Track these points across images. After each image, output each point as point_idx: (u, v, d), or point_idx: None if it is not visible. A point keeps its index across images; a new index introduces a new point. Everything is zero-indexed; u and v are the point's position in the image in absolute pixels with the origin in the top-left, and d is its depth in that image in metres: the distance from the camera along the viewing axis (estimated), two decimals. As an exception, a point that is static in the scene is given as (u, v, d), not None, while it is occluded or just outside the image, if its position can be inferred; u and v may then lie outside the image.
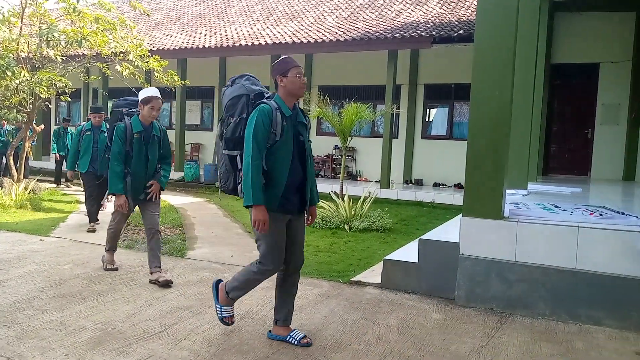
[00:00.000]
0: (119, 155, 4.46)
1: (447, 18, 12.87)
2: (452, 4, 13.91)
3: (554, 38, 10.96)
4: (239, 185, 3.16)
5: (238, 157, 3.16)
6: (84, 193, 7.49)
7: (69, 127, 12.94)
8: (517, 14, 4.14)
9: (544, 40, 8.06)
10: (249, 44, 13.12)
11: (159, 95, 4.53)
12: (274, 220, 3.10)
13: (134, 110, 4.65)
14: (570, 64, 11.10)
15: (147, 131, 4.56)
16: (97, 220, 7.11)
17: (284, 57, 3.25)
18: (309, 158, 3.28)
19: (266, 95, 3.24)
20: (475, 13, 12.45)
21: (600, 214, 4.28)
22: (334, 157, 14.10)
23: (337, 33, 12.73)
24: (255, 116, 3.02)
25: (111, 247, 4.93)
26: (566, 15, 10.89)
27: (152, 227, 4.59)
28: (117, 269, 4.92)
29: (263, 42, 12.96)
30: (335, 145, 13.93)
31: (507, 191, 4.46)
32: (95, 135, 7.11)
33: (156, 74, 10.54)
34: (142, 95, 4.48)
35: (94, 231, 6.86)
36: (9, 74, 8.57)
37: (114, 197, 4.60)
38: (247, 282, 3.32)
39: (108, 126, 6.64)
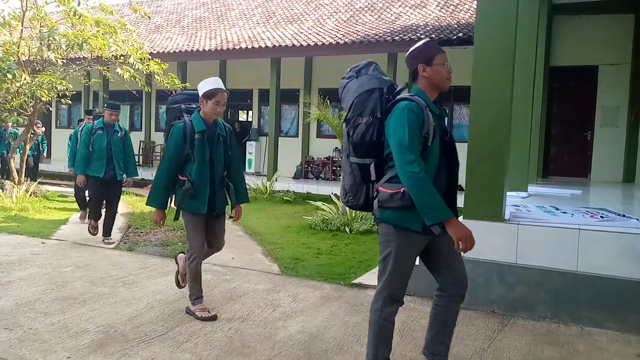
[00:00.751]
0: (176, 160, 3.70)
1: (447, 21, 12.90)
2: (452, 6, 13.94)
3: (553, 41, 10.98)
4: (375, 201, 2.59)
5: (372, 166, 2.61)
6: (85, 198, 7.39)
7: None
8: (516, 17, 4.16)
9: (543, 43, 8.10)
10: (249, 46, 13.14)
11: (224, 87, 3.85)
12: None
13: (194, 106, 3.94)
14: (570, 66, 11.12)
15: (210, 130, 3.80)
16: (110, 237, 6.40)
17: (426, 40, 2.80)
18: (457, 160, 2.73)
19: (398, 88, 2.71)
20: (474, 16, 12.49)
21: (601, 216, 4.29)
22: (334, 159, 14.11)
23: (336, 36, 12.76)
24: (404, 116, 2.47)
25: (198, 294, 3.82)
26: (565, 18, 10.91)
27: (219, 248, 4.08)
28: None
29: (263, 45, 12.99)
30: (336, 148, 13.92)
31: (507, 193, 4.47)
32: (108, 135, 6.36)
33: (157, 77, 10.56)
34: (203, 87, 3.80)
35: (94, 233, 6.52)
36: (10, 76, 8.60)
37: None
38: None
39: (120, 126, 6.52)
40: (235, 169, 3.97)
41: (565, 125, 11.40)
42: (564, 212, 4.54)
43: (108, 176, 6.31)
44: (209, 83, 3.79)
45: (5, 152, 12.78)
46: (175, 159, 3.69)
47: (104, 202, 6.63)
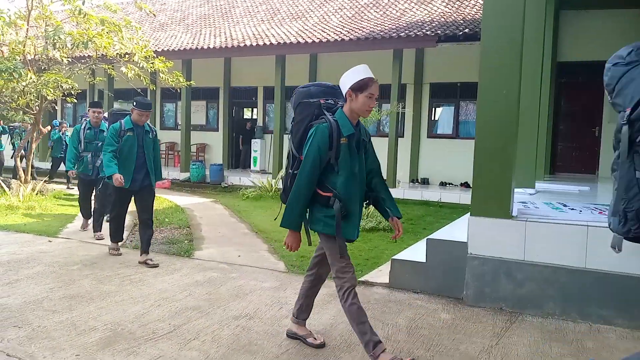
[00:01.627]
0: (318, 171, 2.90)
1: (453, 17, 12.84)
2: (457, 2, 13.87)
3: (560, 36, 10.90)
4: None
5: None
6: (91, 206, 6.92)
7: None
8: (523, 13, 4.13)
9: (550, 38, 8.04)
10: (254, 44, 13.13)
11: (373, 76, 3.01)
12: None
13: (332, 102, 3.09)
14: (577, 62, 11.04)
15: (358, 133, 3.02)
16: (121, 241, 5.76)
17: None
18: None
19: None
20: (480, 11, 12.43)
21: (610, 213, 4.25)
22: (339, 156, 14.07)
23: (341, 33, 12.72)
24: None
25: (373, 338, 2.96)
26: (572, 13, 10.83)
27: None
28: None
29: (268, 43, 12.97)
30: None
31: (515, 190, 4.45)
32: (139, 138, 5.33)
33: (161, 75, 10.57)
34: (352, 77, 2.95)
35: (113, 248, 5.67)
36: (16, 76, 8.63)
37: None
38: None
39: (150, 125, 5.49)
40: (381, 178, 3.27)
41: (573, 122, 11.33)
42: (572, 209, 4.51)
43: (137, 186, 5.31)
44: (359, 72, 2.96)
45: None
46: (318, 170, 2.90)
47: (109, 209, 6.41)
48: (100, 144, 6.53)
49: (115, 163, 5.18)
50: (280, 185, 11.91)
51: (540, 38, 6.59)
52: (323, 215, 2.96)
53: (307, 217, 3.06)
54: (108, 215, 6.52)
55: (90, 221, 6.84)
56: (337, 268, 3.02)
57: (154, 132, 5.57)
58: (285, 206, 2.99)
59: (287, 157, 3.18)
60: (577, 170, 11.05)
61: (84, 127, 6.81)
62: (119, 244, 5.68)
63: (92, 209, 6.87)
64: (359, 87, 2.92)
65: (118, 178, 5.09)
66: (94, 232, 6.59)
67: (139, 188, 5.33)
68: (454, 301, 4.20)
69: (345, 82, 2.98)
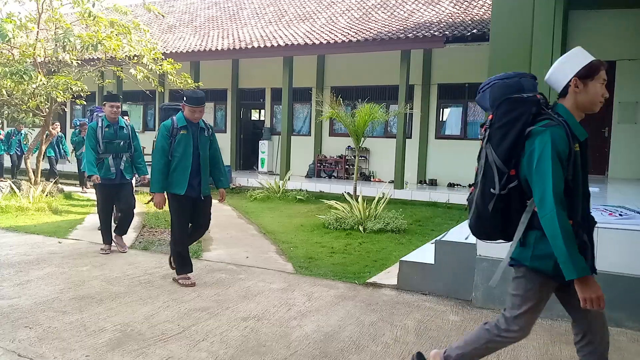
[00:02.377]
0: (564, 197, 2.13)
1: (460, 17, 12.80)
2: (465, 3, 13.82)
3: (568, 36, 10.83)
4: None
5: None
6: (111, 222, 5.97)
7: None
8: (533, 13, 4.11)
9: (559, 38, 7.96)
10: (262, 45, 13.16)
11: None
12: None
13: (535, 97, 2.32)
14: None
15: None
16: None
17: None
18: None
19: None
20: (488, 12, 12.39)
21: (620, 214, 4.22)
22: (347, 158, 14.09)
23: (349, 34, 12.72)
24: None
25: None
26: (581, 13, 10.76)
27: None
28: None
29: (275, 44, 13.00)
30: (348, 146, 13.91)
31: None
32: (195, 138, 4.65)
33: (170, 76, 10.62)
34: (574, 63, 2.36)
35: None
36: (26, 78, 8.70)
37: None
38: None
39: (206, 122, 4.88)
40: None
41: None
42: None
43: (195, 193, 4.63)
44: (581, 55, 2.39)
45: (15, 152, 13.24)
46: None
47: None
48: (122, 143, 5.81)
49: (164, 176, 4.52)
50: (288, 187, 11.98)
51: (549, 38, 6.53)
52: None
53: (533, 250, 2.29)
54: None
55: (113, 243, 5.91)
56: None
57: (210, 130, 4.88)
58: (565, 252, 2.06)
59: (481, 171, 2.44)
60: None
61: (101, 125, 5.74)
62: (189, 274, 4.63)
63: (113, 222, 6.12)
64: (588, 72, 2.31)
65: (160, 200, 4.55)
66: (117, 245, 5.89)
67: (196, 197, 4.63)
68: (463, 303, 4.18)
69: (566, 70, 2.34)
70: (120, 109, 5.89)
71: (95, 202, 6.21)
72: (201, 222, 4.77)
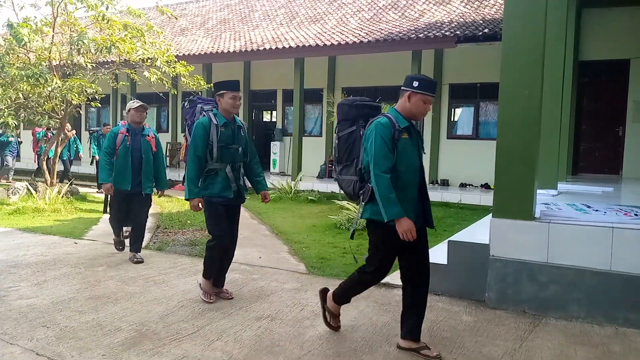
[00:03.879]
0: None
1: (472, 17, 12.74)
2: (477, 2, 13.75)
3: (582, 35, 10.74)
4: None
5: None
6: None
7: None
8: (545, 11, 4.09)
9: (572, 37, 7.92)
10: (273, 47, 13.21)
11: None
12: None
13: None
14: (599, 61, 10.85)
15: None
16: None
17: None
18: None
19: None
20: (500, 11, 12.32)
21: (635, 214, 4.18)
22: (358, 158, 14.08)
23: (360, 35, 12.72)
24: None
25: None
26: (594, 11, 10.66)
27: None
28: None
29: (287, 46, 13.04)
30: (360, 147, 13.90)
31: (537, 191, 4.40)
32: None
33: (183, 79, 10.71)
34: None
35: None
36: (42, 81, 8.83)
37: None
38: None
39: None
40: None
41: (596, 121, 11.14)
42: (596, 210, 4.44)
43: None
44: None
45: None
46: None
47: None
48: (240, 150, 4.25)
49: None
50: (300, 187, 12.00)
51: (562, 37, 6.50)
52: None
53: None
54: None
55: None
56: None
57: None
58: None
59: None
60: (600, 170, 10.85)
61: (217, 123, 4.09)
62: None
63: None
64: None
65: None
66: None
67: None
68: (476, 303, 4.17)
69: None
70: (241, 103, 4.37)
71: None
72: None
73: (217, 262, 4.16)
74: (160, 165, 5.65)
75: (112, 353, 3.13)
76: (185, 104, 4.41)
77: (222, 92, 4.11)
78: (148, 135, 5.53)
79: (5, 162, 13.55)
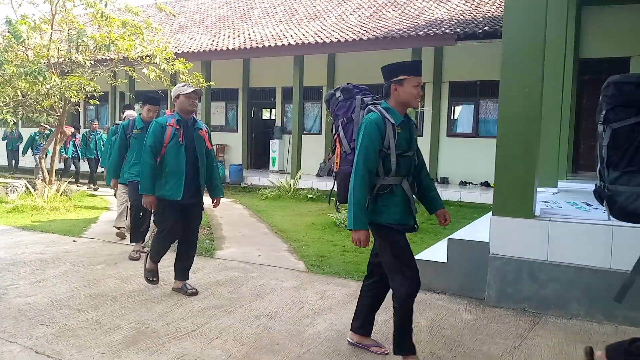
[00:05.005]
0: None
1: (472, 14, 12.72)
2: (476, 0, 13.73)
3: (582, 33, 10.72)
4: None
5: None
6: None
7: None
8: (546, 9, 4.08)
9: (572, 35, 7.90)
10: (272, 45, 13.18)
11: None
12: None
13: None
14: (599, 58, 10.84)
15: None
16: None
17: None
18: None
19: None
20: (500, 8, 12.30)
21: (636, 212, 4.17)
22: (357, 156, 14.06)
23: (359, 32, 12.70)
24: None
25: None
26: (595, 9, 10.64)
27: None
28: None
29: (286, 43, 13.01)
30: (359, 145, 13.89)
31: (537, 189, 4.39)
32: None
33: (182, 76, 10.68)
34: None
35: None
36: (40, 78, 8.80)
37: None
38: None
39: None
40: None
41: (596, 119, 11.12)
42: (596, 208, 4.44)
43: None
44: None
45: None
46: None
47: None
48: (413, 155, 3.22)
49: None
50: (299, 185, 11.98)
51: (562, 34, 6.49)
52: None
53: None
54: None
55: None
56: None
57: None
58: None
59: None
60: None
61: (393, 122, 2.97)
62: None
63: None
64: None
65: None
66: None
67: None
68: (476, 302, 4.17)
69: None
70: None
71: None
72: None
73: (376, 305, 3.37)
74: (215, 167, 4.54)
75: (111, 351, 3.12)
76: (337, 94, 3.22)
77: (400, 77, 3.02)
78: (201, 129, 4.29)
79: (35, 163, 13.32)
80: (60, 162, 12.96)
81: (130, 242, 5.79)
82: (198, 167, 4.23)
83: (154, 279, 4.38)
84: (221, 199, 4.59)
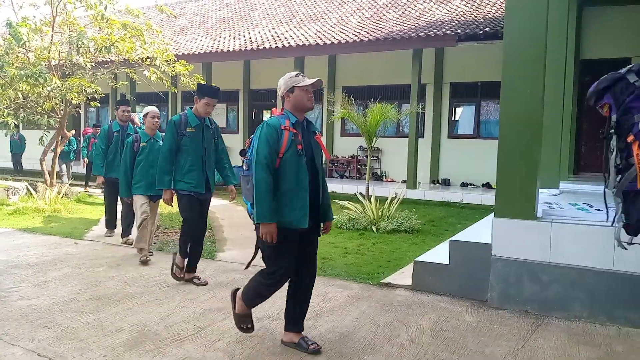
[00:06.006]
0: None
1: (473, 15, 12.72)
2: (477, 1, 13.74)
3: (583, 34, 10.72)
4: None
5: None
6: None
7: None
8: (547, 10, 4.07)
9: (573, 36, 7.91)
10: (273, 46, 13.20)
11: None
12: None
13: None
14: (600, 59, 10.83)
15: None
16: None
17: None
18: None
19: None
20: (501, 9, 12.30)
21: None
22: (358, 157, 14.08)
23: (360, 33, 12.70)
24: None
25: None
26: (596, 10, 10.64)
27: None
28: None
29: (287, 45, 13.02)
30: (360, 146, 13.90)
31: (539, 191, 4.38)
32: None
33: (182, 78, 10.69)
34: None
35: None
36: (41, 81, 8.81)
37: None
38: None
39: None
40: None
41: (597, 120, 11.10)
42: (598, 210, 4.43)
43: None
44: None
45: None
46: None
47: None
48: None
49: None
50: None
51: (563, 36, 6.49)
52: None
53: None
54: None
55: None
56: None
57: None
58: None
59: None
60: (602, 170, 10.82)
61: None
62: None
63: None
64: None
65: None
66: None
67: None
68: (478, 303, 4.16)
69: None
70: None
71: None
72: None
73: None
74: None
75: (113, 354, 3.12)
76: (631, 78, 2.52)
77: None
78: (317, 133, 3.60)
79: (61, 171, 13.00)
80: (84, 167, 12.87)
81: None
82: (320, 183, 3.30)
83: (249, 326, 3.37)
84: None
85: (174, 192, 4.61)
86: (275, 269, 3.18)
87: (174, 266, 4.64)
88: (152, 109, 5.54)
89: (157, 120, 5.52)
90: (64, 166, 12.68)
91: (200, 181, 4.57)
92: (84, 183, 12.60)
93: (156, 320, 3.69)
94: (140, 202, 5.40)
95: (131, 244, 5.97)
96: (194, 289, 4.47)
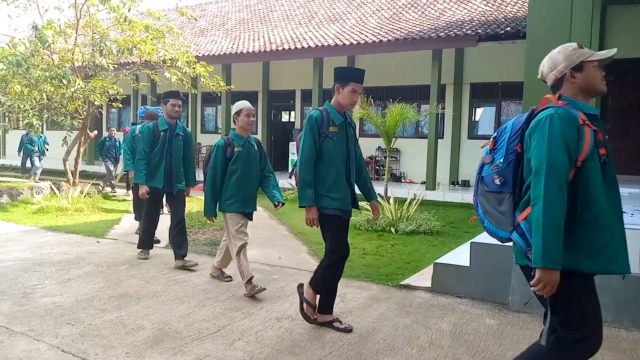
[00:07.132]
0: None
1: (493, 15, 12.58)
2: (498, 0, 13.59)
3: (606, 33, 10.52)
4: None
5: None
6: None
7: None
8: (571, 9, 4.01)
9: (597, 35, 7.74)
10: (292, 47, 13.24)
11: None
12: None
13: None
14: (625, 59, 10.60)
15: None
16: None
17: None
18: None
19: None
20: (522, 9, 12.15)
21: (665, 216, 4.07)
22: (377, 158, 14.03)
23: (379, 34, 12.67)
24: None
25: None
26: (620, 8, 10.43)
27: None
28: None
29: (306, 46, 13.05)
30: (379, 147, 13.85)
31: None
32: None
33: (202, 79, 10.80)
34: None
35: None
36: (65, 82, 8.98)
37: None
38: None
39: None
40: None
41: (621, 121, 10.90)
42: (624, 212, 4.33)
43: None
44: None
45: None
46: None
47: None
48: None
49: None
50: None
51: (586, 35, 6.34)
52: None
53: None
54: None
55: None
56: None
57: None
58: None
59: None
60: (626, 171, 10.61)
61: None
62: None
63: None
64: None
65: None
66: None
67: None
68: (499, 306, 4.11)
69: None
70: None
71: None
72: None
73: None
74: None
75: (135, 351, 3.16)
76: None
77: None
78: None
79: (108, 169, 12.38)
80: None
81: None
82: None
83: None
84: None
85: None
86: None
87: (305, 304, 3.61)
88: (245, 104, 4.43)
89: (252, 119, 4.46)
90: (110, 164, 12.03)
91: (347, 196, 3.55)
92: (103, 182, 12.68)
93: (177, 319, 3.73)
94: (235, 223, 4.48)
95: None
96: (214, 289, 4.50)
